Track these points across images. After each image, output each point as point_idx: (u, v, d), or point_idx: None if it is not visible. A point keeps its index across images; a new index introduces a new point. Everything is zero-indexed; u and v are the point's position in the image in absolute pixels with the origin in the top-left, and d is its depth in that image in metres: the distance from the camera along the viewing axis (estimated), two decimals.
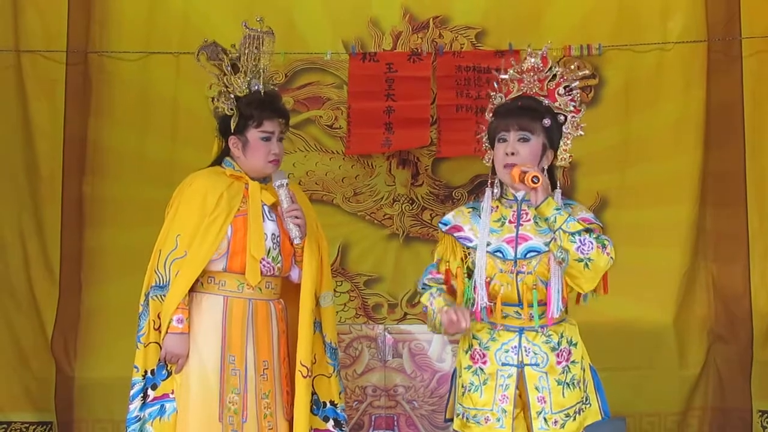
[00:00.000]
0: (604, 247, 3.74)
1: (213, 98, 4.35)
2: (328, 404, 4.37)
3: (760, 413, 6.20)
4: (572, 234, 3.71)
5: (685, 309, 6.29)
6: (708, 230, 6.34)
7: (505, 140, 3.85)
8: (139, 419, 4.18)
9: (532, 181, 3.72)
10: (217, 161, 4.37)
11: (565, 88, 3.94)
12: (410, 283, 6.36)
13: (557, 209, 3.73)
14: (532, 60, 3.95)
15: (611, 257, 3.75)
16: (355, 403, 5.76)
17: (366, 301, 6.39)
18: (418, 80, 6.31)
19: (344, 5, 6.47)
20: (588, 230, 3.76)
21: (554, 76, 3.95)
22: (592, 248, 3.71)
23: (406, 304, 6.38)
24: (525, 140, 3.84)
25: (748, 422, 6.21)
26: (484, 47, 6.37)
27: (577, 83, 3.96)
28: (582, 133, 3.96)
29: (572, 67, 4.10)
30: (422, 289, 3.98)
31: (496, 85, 4.00)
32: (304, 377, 4.21)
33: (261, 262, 4.21)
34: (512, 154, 3.83)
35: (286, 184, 4.27)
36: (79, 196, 6.35)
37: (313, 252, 4.29)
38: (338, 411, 4.38)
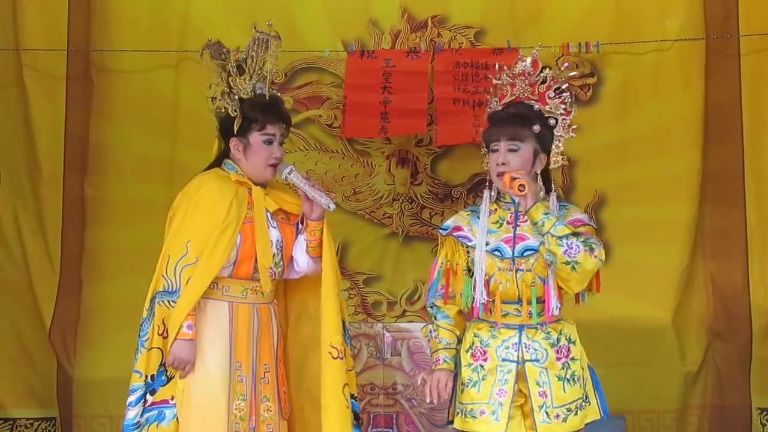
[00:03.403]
0: (591, 250, 3.84)
1: (214, 98, 4.33)
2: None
3: (760, 410, 6.20)
4: (559, 238, 3.82)
5: (684, 306, 6.30)
6: (706, 228, 6.34)
7: (497, 150, 3.99)
8: (139, 425, 4.11)
9: (519, 189, 3.86)
10: (217, 162, 4.33)
11: (555, 90, 4.03)
12: (409, 281, 6.39)
13: (546, 214, 3.85)
14: (523, 64, 4.04)
15: (599, 259, 3.86)
16: None
17: (365, 299, 6.38)
18: (416, 75, 6.26)
19: (344, 5, 6.46)
20: (576, 234, 3.85)
21: (545, 79, 4.04)
22: (579, 251, 3.82)
23: (406, 302, 6.38)
24: (514, 150, 3.97)
25: (748, 420, 6.22)
26: (482, 46, 6.36)
27: (566, 85, 4.04)
28: (573, 135, 4.05)
29: (562, 68, 4.16)
30: (430, 308, 4.11)
31: (492, 90, 4.09)
32: (335, 359, 4.15)
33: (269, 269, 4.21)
34: (503, 164, 3.96)
35: (293, 168, 4.26)
36: (80, 196, 6.36)
37: (329, 234, 4.30)
38: (356, 404, 4.32)
